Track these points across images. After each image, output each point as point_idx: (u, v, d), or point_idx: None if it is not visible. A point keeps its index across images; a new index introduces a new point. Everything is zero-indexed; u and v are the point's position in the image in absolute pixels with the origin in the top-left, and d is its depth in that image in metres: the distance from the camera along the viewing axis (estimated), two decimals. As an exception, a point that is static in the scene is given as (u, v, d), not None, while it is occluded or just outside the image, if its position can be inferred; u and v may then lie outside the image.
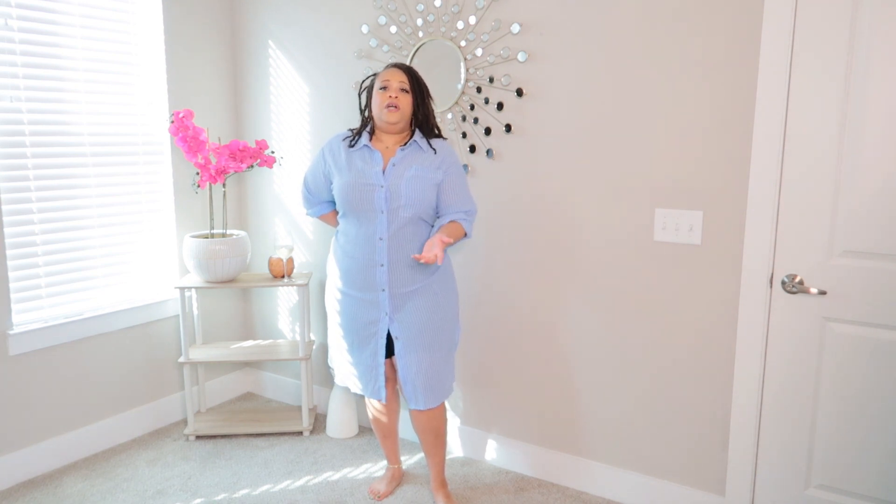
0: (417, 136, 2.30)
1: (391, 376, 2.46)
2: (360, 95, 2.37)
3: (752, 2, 2.06)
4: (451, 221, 2.27)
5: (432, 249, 2.09)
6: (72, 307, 2.83)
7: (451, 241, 2.17)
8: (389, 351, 2.36)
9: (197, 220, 3.25)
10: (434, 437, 2.44)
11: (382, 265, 2.26)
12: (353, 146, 2.31)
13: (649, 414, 2.44)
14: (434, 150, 2.29)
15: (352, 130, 2.37)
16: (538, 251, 2.59)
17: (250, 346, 3.21)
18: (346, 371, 2.47)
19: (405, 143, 2.29)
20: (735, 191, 2.17)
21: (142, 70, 3.01)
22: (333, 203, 2.44)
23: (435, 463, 2.50)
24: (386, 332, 2.32)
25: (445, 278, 2.37)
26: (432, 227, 2.32)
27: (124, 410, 3.04)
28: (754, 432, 2.24)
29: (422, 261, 2.09)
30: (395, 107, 2.22)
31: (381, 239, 2.25)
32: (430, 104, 2.33)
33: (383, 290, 2.28)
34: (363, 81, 2.37)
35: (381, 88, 2.24)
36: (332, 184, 2.34)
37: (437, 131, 2.35)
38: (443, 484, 2.52)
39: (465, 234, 2.30)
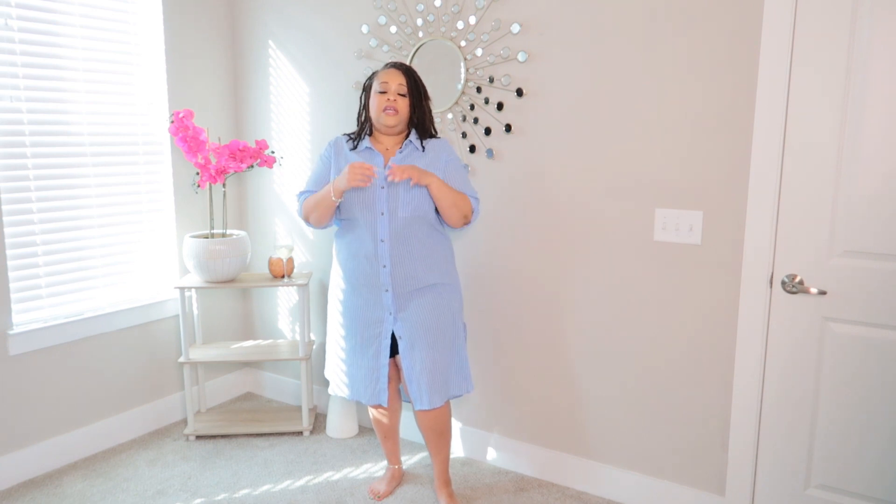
0: (413, 136, 2.31)
1: (394, 376, 2.46)
2: (360, 96, 2.36)
3: (752, 1, 2.07)
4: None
5: (405, 171, 2.10)
6: (72, 307, 2.83)
7: (444, 192, 2.19)
8: (392, 351, 2.36)
9: (197, 220, 3.25)
10: (438, 436, 2.45)
11: (385, 266, 2.26)
12: (355, 149, 2.32)
13: (649, 414, 2.44)
14: (423, 148, 2.29)
15: (347, 135, 2.38)
16: (538, 251, 2.59)
17: (250, 346, 3.21)
18: (341, 378, 2.45)
19: (402, 146, 2.30)
20: (735, 191, 2.17)
21: (142, 70, 3.01)
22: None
23: (439, 461, 2.50)
24: (390, 333, 2.32)
25: (450, 277, 2.37)
26: (434, 228, 2.32)
27: (124, 410, 3.04)
28: (754, 432, 2.24)
29: (395, 177, 2.09)
30: (394, 110, 2.23)
31: (382, 240, 2.25)
32: (427, 105, 2.32)
33: (387, 290, 2.28)
34: (364, 82, 2.37)
35: (379, 91, 2.25)
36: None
37: (432, 132, 2.35)
38: (446, 483, 2.52)
39: (472, 211, 2.29)
